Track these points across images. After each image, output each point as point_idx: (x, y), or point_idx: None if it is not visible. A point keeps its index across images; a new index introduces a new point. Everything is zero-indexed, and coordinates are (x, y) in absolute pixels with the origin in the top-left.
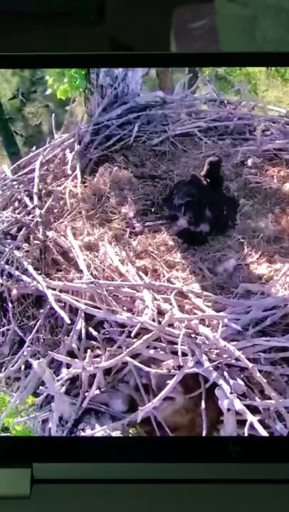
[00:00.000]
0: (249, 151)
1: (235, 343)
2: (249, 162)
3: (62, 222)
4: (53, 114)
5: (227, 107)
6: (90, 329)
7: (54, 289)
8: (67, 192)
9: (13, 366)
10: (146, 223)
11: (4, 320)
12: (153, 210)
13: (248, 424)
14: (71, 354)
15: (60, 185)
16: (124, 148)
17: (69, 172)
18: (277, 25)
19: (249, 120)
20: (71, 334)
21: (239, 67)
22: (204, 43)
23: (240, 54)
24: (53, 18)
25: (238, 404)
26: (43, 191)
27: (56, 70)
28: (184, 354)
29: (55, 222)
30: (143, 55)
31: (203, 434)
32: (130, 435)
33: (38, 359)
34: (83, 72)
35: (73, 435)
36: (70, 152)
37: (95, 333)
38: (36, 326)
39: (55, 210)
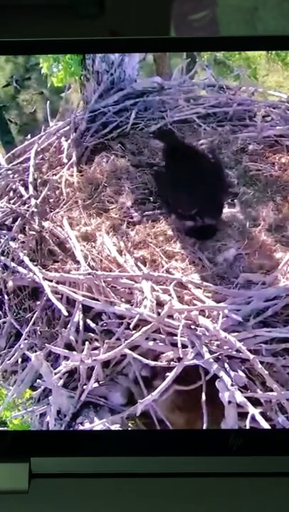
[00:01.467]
0: (249, 138)
1: (236, 334)
2: (249, 149)
3: (58, 212)
4: (48, 102)
5: (226, 93)
6: (88, 321)
7: (51, 281)
8: (63, 181)
9: (9, 359)
10: (145, 213)
11: (0, 312)
12: (151, 199)
13: (249, 416)
14: (69, 347)
15: (55, 175)
16: (121, 135)
17: (65, 161)
18: (279, 16)
19: (249, 106)
20: (69, 326)
21: (238, 51)
22: (205, 34)
23: (239, 38)
24: (52, 11)
25: (240, 397)
26: (39, 181)
27: (51, 56)
28: (184, 346)
29: (51, 212)
30: (140, 39)
31: (204, 427)
32: (129, 428)
33: (35, 352)
34: (79, 58)
35: (72, 429)
36: (66, 140)
37: (93, 325)
38: (33, 319)
39: (51, 200)
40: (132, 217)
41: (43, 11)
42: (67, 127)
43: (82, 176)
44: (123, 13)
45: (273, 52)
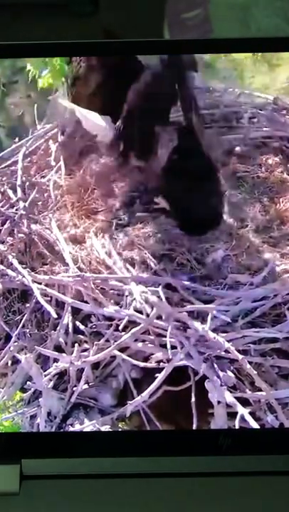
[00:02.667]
0: (236, 140)
1: (225, 334)
2: (236, 151)
3: (46, 214)
4: (36, 105)
5: (213, 94)
6: (77, 323)
7: (40, 283)
8: (52, 184)
9: None
10: (133, 214)
11: None
12: (140, 200)
13: (238, 416)
14: (58, 349)
15: (44, 177)
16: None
17: (53, 163)
18: (272, 14)
19: (235, 107)
20: (58, 328)
21: (225, 53)
22: (198, 33)
23: (226, 40)
24: (46, 9)
25: (229, 397)
26: (27, 183)
27: (39, 60)
28: (173, 347)
29: (40, 214)
30: (127, 42)
31: (194, 427)
32: (119, 429)
33: (25, 354)
34: (66, 59)
35: (62, 430)
36: (54, 143)
37: (82, 327)
38: (22, 321)
39: (40, 203)
40: (120, 219)
41: (32, 10)
42: (55, 130)
43: (70, 178)
44: (117, 11)
45: (260, 54)
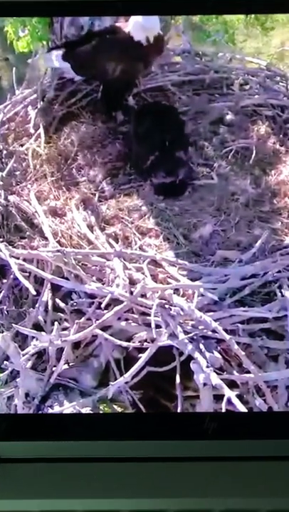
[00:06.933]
0: (226, 107)
1: (212, 313)
2: (226, 119)
3: (25, 185)
4: (14, 69)
5: (202, 59)
6: (57, 300)
7: (17, 258)
8: (31, 153)
9: None
10: (117, 186)
11: None
12: (124, 171)
13: (225, 399)
14: (37, 327)
15: (22, 146)
16: (92, 103)
17: (32, 131)
18: None
19: (226, 73)
20: (37, 306)
21: (216, 14)
22: None
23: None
24: None
25: (215, 379)
26: (4, 152)
27: (18, 20)
28: (158, 326)
29: (18, 185)
30: (110, 2)
31: (178, 410)
32: (101, 412)
33: (2, 332)
34: (46, 22)
35: (40, 412)
36: (33, 109)
37: (62, 304)
38: None
39: (18, 173)
40: (103, 191)
41: None
42: (35, 95)
43: (50, 147)
44: None
45: (252, 16)
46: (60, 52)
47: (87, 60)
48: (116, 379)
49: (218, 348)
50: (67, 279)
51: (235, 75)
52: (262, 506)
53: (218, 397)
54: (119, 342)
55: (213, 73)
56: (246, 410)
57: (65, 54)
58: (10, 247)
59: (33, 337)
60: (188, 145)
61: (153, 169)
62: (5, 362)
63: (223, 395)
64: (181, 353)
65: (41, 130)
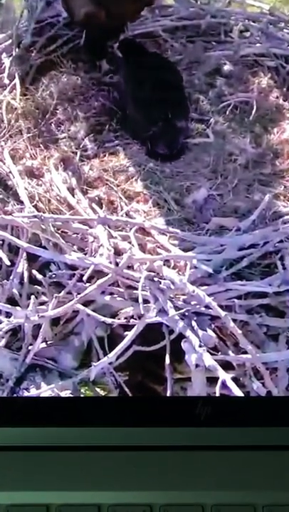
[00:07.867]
0: (224, 57)
1: (206, 287)
2: (224, 70)
3: None
4: None
5: (198, 2)
6: (34, 272)
7: None
8: (4, 106)
9: None
10: (102, 144)
11: None
12: (109, 127)
13: (219, 382)
14: (11, 301)
15: None
16: (74, 51)
17: (6, 81)
18: None
19: (224, 18)
20: (11, 278)
21: None
22: None
23: None
24: None
25: (209, 360)
26: None
27: None
28: (146, 301)
29: None
30: None
31: (168, 394)
32: (82, 395)
33: None
34: None
35: (15, 395)
36: (8, 57)
37: (39, 276)
38: None
39: None
40: (86, 150)
41: None
42: (9, 41)
43: (27, 99)
44: None
45: None
46: None
47: None
48: (99, 359)
49: (212, 325)
50: (45, 248)
51: (234, 20)
52: (259, 501)
53: (212, 380)
54: (102, 318)
55: (209, 18)
56: (243, 394)
57: None
58: None
59: (7, 312)
60: (189, 111)
61: (154, 140)
62: None
63: (218, 378)
64: (171, 331)
65: (16, 80)
